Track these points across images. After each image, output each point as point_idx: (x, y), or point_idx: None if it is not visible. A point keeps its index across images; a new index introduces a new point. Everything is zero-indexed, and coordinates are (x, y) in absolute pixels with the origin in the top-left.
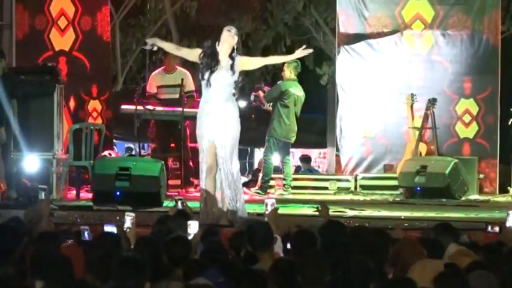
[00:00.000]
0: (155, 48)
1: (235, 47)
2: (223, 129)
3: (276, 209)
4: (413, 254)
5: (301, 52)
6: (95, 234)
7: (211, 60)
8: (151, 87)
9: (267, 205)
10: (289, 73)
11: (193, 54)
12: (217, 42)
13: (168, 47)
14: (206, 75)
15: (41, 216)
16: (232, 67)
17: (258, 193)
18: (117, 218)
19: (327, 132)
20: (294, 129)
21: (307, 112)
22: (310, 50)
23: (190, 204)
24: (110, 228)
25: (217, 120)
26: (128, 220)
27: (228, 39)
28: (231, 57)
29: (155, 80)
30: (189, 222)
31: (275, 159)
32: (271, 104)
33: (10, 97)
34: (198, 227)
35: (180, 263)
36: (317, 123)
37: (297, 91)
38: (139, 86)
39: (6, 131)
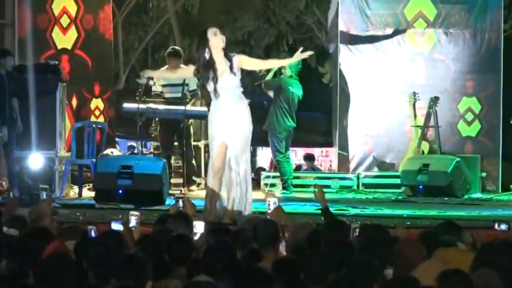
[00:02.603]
0: (151, 83)
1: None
2: (234, 129)
3: (278, 208)
4: (414, 253)
5: (300, 55)
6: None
7: (209, 71)
8: (156, 86)
9: (269, 204)
10: (290, 71)
11: (189, 71)
12: (207, 50)
13: (162, 74)
14: (211, 87)
15: (43, 216)
16: (231, 68)
17: (284, 193)
18: (120, 216)
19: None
20: (293, 123)
21: (309, 111)
22: (310, 52)
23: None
24: (116, 226)
25: (229, 121)
26: (133, 219)
27: (219, 43)
28: (227, 58)
29: (159, 79)
30: (195, 222)
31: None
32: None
33: (13, 95)
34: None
35: (182, 261)
36: (319, 122)
37: (296, 90)
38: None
39: (9, 129)
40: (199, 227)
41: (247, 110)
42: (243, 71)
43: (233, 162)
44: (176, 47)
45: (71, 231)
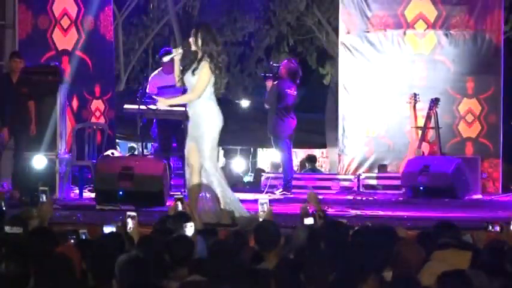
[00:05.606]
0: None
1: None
2: (198, 130)
3: (271, 209)
4: (413, 254)
5: None
6: (95, 235)
7: (184, 62)
8: (151, 88)
9: (261, 205)
10: (285, 74)
11: None
12: (194, 43)
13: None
14: (179, 76)
15: (43, 219)
16: (194, 70)
17: (285, 194)
18: (120, 217)
19: (326, 131)
20: (293, 125)
21: (310, 112)
22: None
23: None
24: (109, 229)
25: (194, 122)
26: (130, 220)
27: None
28: (197, 61)
29: (154, 82)
30: (185, 224)
31: (277, 156)
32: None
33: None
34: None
35: (182, 262)
36: (320, 123)
37: (292, 91)
38: (142, 85)
39: (21, 131)
40: (189, 230)
41: (210, 110)
42: (245, 71)
43: (204, 163)
44: (167, 49)
45: (63, 235)
